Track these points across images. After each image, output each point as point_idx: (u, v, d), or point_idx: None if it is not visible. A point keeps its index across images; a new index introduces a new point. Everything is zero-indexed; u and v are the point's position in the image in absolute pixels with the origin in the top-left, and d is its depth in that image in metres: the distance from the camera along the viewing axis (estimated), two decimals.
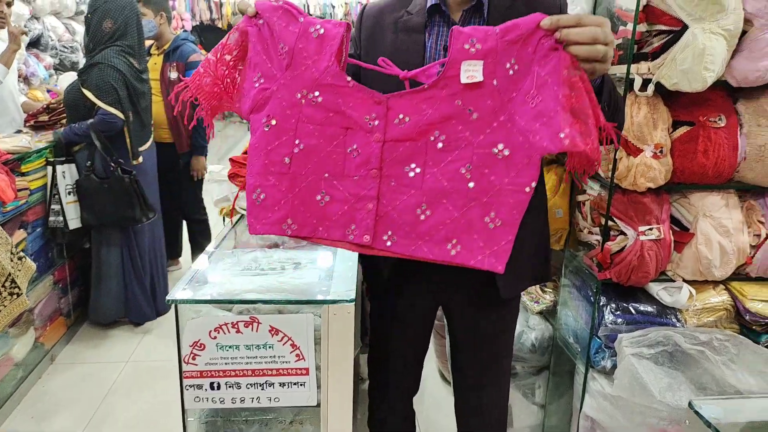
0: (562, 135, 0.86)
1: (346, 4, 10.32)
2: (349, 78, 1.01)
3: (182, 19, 8.67)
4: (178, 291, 1.24)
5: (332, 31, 1.00)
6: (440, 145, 0.98)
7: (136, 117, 2.79)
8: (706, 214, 1.63)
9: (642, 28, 1.50)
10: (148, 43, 3.47)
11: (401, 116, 0.99)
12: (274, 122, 1.03)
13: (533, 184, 0.93)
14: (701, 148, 1.55)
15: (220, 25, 9.81)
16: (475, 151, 0.96)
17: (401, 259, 1.04)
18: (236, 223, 1.79)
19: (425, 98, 0.97)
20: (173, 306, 1.23)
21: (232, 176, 1.79)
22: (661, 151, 1.57)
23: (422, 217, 0.99)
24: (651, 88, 1.51)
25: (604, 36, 0.87)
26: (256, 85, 1.04)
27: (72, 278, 2.96)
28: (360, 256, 1.41)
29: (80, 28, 4.86)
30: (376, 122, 1.00)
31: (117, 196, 2.64)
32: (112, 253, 2.86)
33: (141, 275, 2.95)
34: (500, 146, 0.94)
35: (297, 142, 1.03)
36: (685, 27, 1.45)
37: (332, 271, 1.37)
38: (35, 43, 4.16)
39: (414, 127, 0.99)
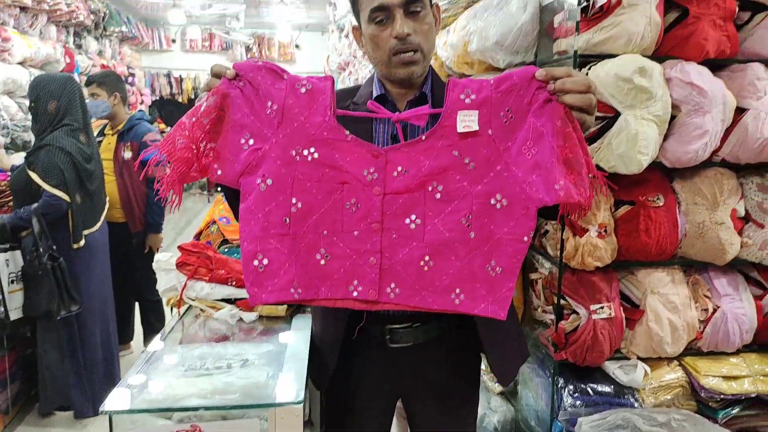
0: (557, 186, 0.89)
1: None
2: (347, 132, 1.01)
3: (141, 94, 8.73)
4: (112, 399, 1.16)
5: (319, 85, 1.01)
6: (438, 195, 0.98)
7: (85, 198, 2.73)
8: (654, 290, 1.66)
9: None
10: (102, 122, 3.45)
11: (400, 168, 1.00)
12: (269, 182, 1.00)
13: (531, 234, 0.95)
14: (643, 227, 1.60)
15: (180, 100, 9.93)
16: (474, 201, 0.97)
17: (355, 348, 1.02)
18: (184, 314, 1.73)
19: (423, 150, 0.99)
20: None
21: (180, 264, 1.74)
22: (605, 231, 1.60)
23: (426, 268, 0.99)
24: None
25: (594, 87, 0.92)
26: (245, 147, 1.00)
27: (12, 371, 2.77)
28: (310, 350, 1.36)
29: None
30: (375, 175, 1.00)
31: (44, 286, 2.51)
32: (54, 342, 2.70)
33: (81, 366, 2.78)
34: (498, 196, 0.96)
35: (294, 201, 1.00)
36: (617, 113, 1.52)
37: (281, 367, 1.32)
38: None
39: (413, 178, 0.99)
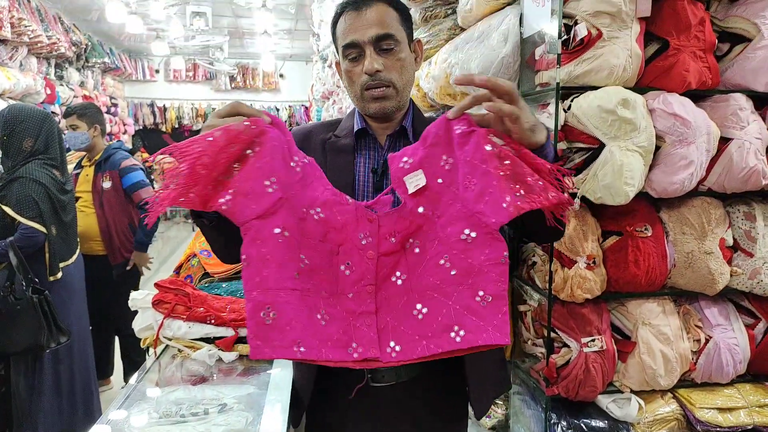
0: (504, 205, 0.93)
1: (290, 107, 10.65)
2: (348, 197, 1.04)
3: (125, 124, 8.69)
4: None
5: None
6: (417, 249, 1.02)
7: (60, 230, 2.65)
8: (645, 321, 1.63)
9: (562, 145, 1.56)
10: (79, 155, 3.40)
11: (392, 232, 1.03)
12: (287, 234, 0.97)
13: (506, 253, 0.96)
14: (632, 258, 1.58)
15: (164, 129, 9.89)
16: (447, 242, 0.99)
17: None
18: (160, 354, 1.66)
19: (402, 215, 1.03)
20: None
21: (156, 303, 1.68)
22: (594, 262, 1.58)
23: (420, 316, 0.99)
24: (577, 201, 1.54)
25: (495, 82, 0.93)
26: (269, 190, 0.96)
27: None
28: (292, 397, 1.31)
29: None
30: (370, 239, 1.03)
31: (27, 320, 2.42)
32: (29, 378, 2.59)
33: (58, 402, 2.67)
34: (467, 231, 0.98)
35: (302, 257, 0.99)
36: (602, 145, 1.51)
37: (261, 413, 1.25)
38: None
39: (399, 241, 1.03)
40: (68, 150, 2.81)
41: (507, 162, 0.93)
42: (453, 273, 0.98)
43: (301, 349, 0.96)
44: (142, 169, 3.37)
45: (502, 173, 0.93)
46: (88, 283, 2.94)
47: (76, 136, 3.14)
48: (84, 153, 3.28)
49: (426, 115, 1.35)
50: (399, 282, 1.02)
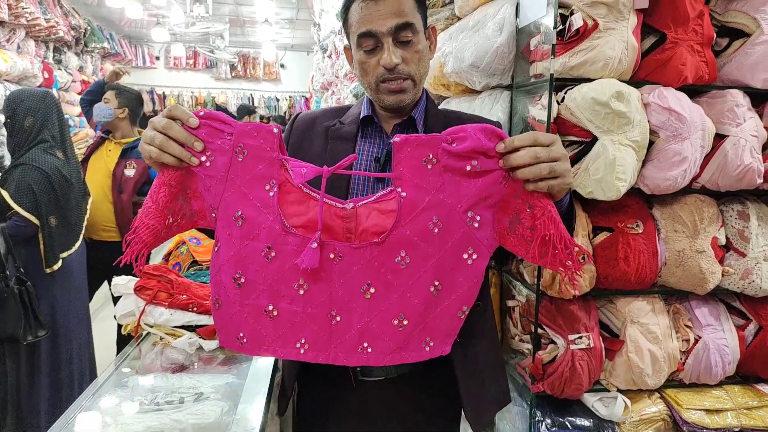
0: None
1: (290, 97, 10.59)
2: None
3: None
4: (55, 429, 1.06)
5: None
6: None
7: (61, 219, 2.62)
8: (634, 320, 1.60)
9: None
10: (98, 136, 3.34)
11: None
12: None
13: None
14: (622, 255, 1.55)
15: None
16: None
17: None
18: (141, 340, 1.63)
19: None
20: None
21: (138, 289, 1.65)
22: (583, 258, 1.55)
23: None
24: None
25: (547, 153, 0.87)
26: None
27: None
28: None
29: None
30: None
31: (8, 310, 2.39)
32: (23, 363, 2.56)
33: (54, 388, 2.65)
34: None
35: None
36: (595, 138, 1.48)
37: (237, 403, 1.23)
38: None
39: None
40: (71, 131, 2.76)
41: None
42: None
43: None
44: None
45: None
46: (101, 269, 2.92)
47: (102, 108, 3.13)
48: (107, 129, 3.23)
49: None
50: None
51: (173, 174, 0.93)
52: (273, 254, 0.95)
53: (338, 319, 0.97)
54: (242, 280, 0.96)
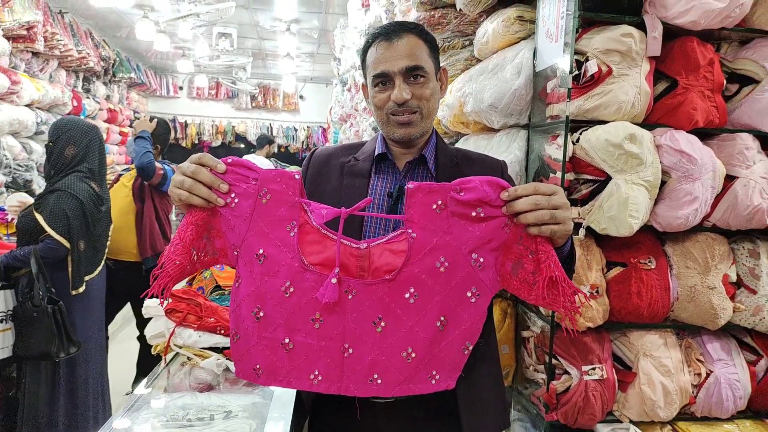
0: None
1: (308, 127, 10.81)
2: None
3: None
4: None
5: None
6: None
7: (88, 244, 2.73)
8: (646, 353, 1.64)
9: (570, 176, 1.60)
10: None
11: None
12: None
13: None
14: (635, 290, 1.60)
15: (184, 144, 10.07)
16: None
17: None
18: (170, 361, 1.70)
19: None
20: None
21: (169, 311, 1.73)
22: (597, 291, 1.60)
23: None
24: (582, 231, 1.58)
25: (547, 201, 0.93)
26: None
27: None
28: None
29: (37, 146, 4.91)
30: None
31: (40, 328, 2.49)
32: (43, 383, 2.64)
33: (70, 408, 2.71)
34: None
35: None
36: (609, 177, 1.55)
37: (265, 421, 1.29)
38: None
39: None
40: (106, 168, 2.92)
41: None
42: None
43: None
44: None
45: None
46: (123, 290, 3.07)
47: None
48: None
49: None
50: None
51: (200, 214, 1.01)
52: (291, 290, 1.02)
53: (350, 351, 1.03)
54: (261, 314, 1.03)
